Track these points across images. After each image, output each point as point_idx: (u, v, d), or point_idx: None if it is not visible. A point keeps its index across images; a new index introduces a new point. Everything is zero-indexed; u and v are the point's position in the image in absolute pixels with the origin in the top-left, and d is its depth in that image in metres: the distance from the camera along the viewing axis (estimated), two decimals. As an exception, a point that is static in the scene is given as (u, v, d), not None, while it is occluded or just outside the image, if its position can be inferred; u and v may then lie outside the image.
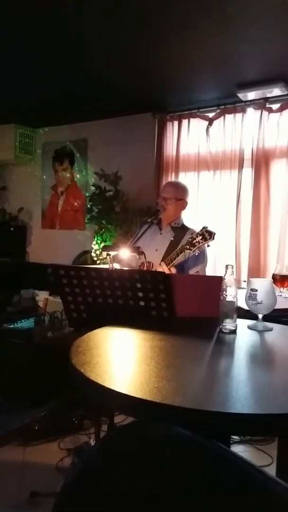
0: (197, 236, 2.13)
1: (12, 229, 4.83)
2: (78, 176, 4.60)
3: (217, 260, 3.51)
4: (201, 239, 2.11)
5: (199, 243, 2.12)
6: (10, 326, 3.05)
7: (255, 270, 3.37)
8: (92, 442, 2.34)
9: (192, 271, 2.42)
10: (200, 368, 1.17)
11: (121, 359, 1.24)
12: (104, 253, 1.90)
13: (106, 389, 0.96)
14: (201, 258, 2.41)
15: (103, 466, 0.76)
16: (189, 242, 2.15)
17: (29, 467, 2.22)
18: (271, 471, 1.83)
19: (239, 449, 2.38)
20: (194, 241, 2.13)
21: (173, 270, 2.32)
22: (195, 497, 0.66)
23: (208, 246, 2.20)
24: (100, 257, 3.74)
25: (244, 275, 3.45)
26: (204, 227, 2.13)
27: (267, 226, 3.40)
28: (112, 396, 0.95)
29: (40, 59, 3.00)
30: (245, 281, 3.37)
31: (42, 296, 3.88)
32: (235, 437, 2.42)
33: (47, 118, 4.44)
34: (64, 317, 3.02)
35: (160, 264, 2.37)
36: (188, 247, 2.15)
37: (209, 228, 2.12)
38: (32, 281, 4.04)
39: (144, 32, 2.55)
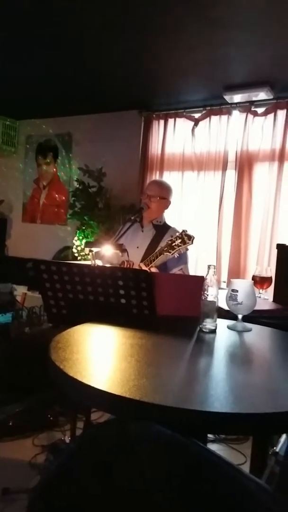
0: (176, 239, 2.13)
1: (-9, 221, 4.75)
2: (61, 170, 4.55)
3: (198, 260, 3.54)
4: (180, 242, 2.12)
5: (178, 246, 2.12)
6: (-13, 320, 3.00)
7: (235, 271, 3.41)
8: (67, 439, 2.32)
9: (174, 271, 2.43)
10: (180, 366, 1.17)
11: (101, 356, 1.24)
12: (87, 249, 1.88)
13: (86, 386, 0.95)
14: (183, 258, 2.42)
15: (80, 463, 0.76)
16: (168, 245, 2.15)
17: (2, 463, 2.19)
18: (245, 469, 1.86)
19: (213, 448, 2.40)
20: (173, 244, 2.13)
21: (154, 270, 2.32)
22: (174, 494, 0.66)
23: (186, 249, 2.20)
24: (82, 253, 3.71)
25: (224, 276, 3.49)
26: (183, 231, 2.13)
27: (248, 228, 3.45)
28: (92, 393, 0.95)
29: (26, 52, 2.96)
30: (225, 282, 3.41)
31: (20, 290, 3.82)
32: (210, 436, 2.45)
33: (32, 110, 4.38)
34: (42, 312, 2.98)
35: (139, 265, 2.36)
36: (167, 249, 2.15)
37: (189, 232, 2.12)
38: (11, 275, 3.98)
39: (134, 32, 2.55)
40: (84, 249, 3.71)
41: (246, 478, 0.70)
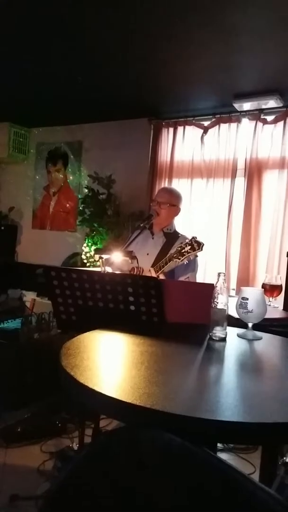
0: (185, 246, 2.14)
1: (2, 228, 4.79)
2: (71, 177, 4.59)
3: (207, 268, 3.53)
4: (189, 248, 2.13)
5: (187, 253, 2.13)
6: (-4, 326, 3.02)
7: (244, 279, 3.40)
8: (75, 446, 2.31)
9: (182, 278, 2.43)
10: (190, 374, 1.17)
11: (111, 363, 1.24)
12: (97, 256, 1.89)
13: (96, 393, 0.95)
14: (192, 266, 2.42)
15: (90, 471, 0.76)
16: (177, 251, 2.16)
17: (10, 469, 2.19)
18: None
19: (222, 457, 2.37)
20: (183, 251, 2.14)
21: (162, 277, 2.32)
22: (184, 503, 0.66)
23: (196, 256, 2.21)
24: (91, 260, 3.72)
25: (233, 284, 3.47)
26: (193, 237, 2.14)
27: (258, 236, 3.44)
28: (102, 400, 0.95)
29: (38, 60, 3.00)
30: (234, 290, 3.39)
31: (29, 296, 3.85)
32: (219, 445, 2.42)
33: (42, 118, 4.43)
34: (51, 318, 3.00)
35: (149, 270, 2.37)
36: (176, 255, 2.16)
37: (198, 239, 2.13)
38: (20, 281, 4.01)
39: (144, 39, 2.58)
40: (93, 255, 3.73)
41: (258, 487, 0.69)
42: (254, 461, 2.30)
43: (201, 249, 2.12)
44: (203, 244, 2.12)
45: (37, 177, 4.82)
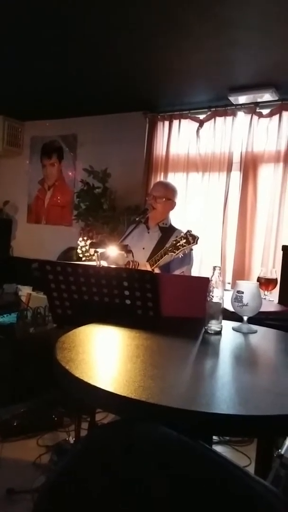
0: (181, 239, 2.14)
1: (-4, 222, 4.77)
2: (66, 171, 4.56)
3: (202, 262, 3.54)
4: (184, 242, 2.13)
5: (182, 246, 2.13)
6: (-8, 321, 3.01)
7: (240, 273, 3.40)
8: (71, 440, 2.32)
9: (177, 272, 2.43)
10: (186, 368, 1.17)
11: (107, 357, 1.24)
12: (92, 250, 1.89)
13: (92, 386, 0.95)
14: (187, 260, 2.42)
15: (86, 464, 0.76)
16: (172, 245, 2.16)
17: (6, 463, 2.20)
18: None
19: (218, 450, 2.39)
20: (178, 244, 2.14)
21: (157, 271, 2.33)
22: (180, 496, 0.66)
23: (191, 250, 2.21)
24: (86, 254, 3.71)
25: (228, 277, 3.48)
26: (188, 231, 2.14)
27: (253, 230, 3.44)
28: (97, 394, 0.95)
29: (32, 53, 2.97)
30: (229, 283, 3.40)
31: (25, 291, 3.83)
32: (214, 438, 2.44)
33: (37, 112, 4.39)
34: (47, 313, 2.99)
35: (145, 264, 2.37)
36: (171, 249, 2.16)
37: (193, 232, 2.13)
38: (16, 275, 3.99)
39: (139, 33, 2.55)
40: (88, 250, 3.72)
41: (253, 480, 0.70)
42: (250, 453, 2.32)
43: (196, 243, 2.12)
44: (198, 238, 2.12)
45: (32, 171, 4.79)
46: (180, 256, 2.18)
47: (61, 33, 2.65)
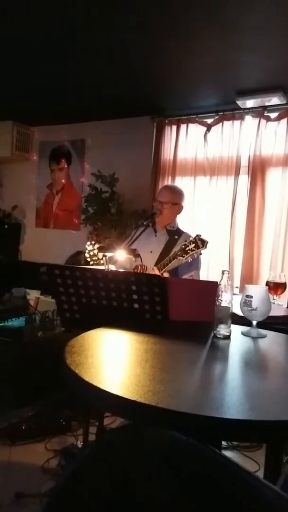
0: (190, 244, 2.14)
1: (5, 226, 4.80)
2: (74, 176, 4.59)
3: (210, 266, 3.53)
4: (193, 246, 2.13)
5: (191, 251, 2.13)
6: (0, 324, 3.02)
7: (248, 277, 3.39)
8: (79, 444, 2.32)
9: (185, 277, 2.42)
10: (195, 372, 1.17)
11: (116, 361, 1.24)
12: (100, 254, 1.89)
13: (101, 390, 0.95)
14: (195, 264, 2.42)
15: (95, 468, 0.76)
16: (181, 249, 2.16)
17: (15, 467, 2.20)
18: (259, 478, 1.83)
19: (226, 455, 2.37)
20: (187, 248, 2.14)
21: (166, 275, 2.32)
22: (189, 500, 0.66)
23: (200, 254, 2.21)
24: (94, 258, 3.72)
25: (236, 282, 3.47)
26: (197, 235, 2.14)
27: (261, 234, 3.42)
28: (107, 398, 0.95)
29: (41, 59, 3.00)
30: (237, 288, 3.39)
31: (33, 295, 3.84)
32: (223, 443, 2.42)
33: (45, 117, 4.43)
34: (55, 317, 3.00)
35: (153, 268, 2.37)
36: (180, 253, 2.16)
37: (202, 237, 2.13)
38: (24, 279, 4.01)
39: (147, 37, 2.56)
40: (96, 254, 3.73)
41: (264, 485, 0.69)
42: (258, 459, 2.29)
43: (205, 247, 2.12)
44: (207, 242, 2.12)
45: (40, 175, 4.83)
46: (189, 261, 2.18)
47: (69, 38, 2.68)
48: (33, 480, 2.05)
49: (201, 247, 2.12)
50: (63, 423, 2.58)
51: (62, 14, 2.38)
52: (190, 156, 3.79)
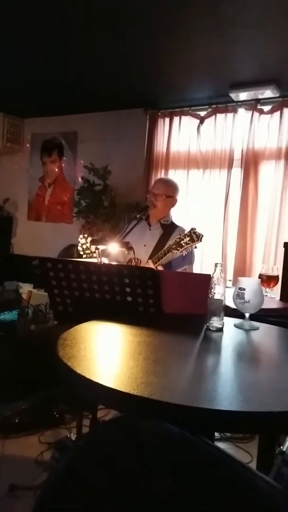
0: (184, 237, 2.14)
1: (-3, 219, 4.76)
2: (66, 168, 4.55)
3: (203, 259, 3.53)
4: (188, 240, 2.13)
5: (186, 244, 2.13)
6: (-7, 318, 3.01)
7: (241, 270, 3.40)
8: (73, 437, 2.32)
9: (179, 270, 2.42)
10: (188, 364, 1.17)
11: (109, 353, 1.24)
12: (93, 247, 1.88)
13: (94, 383, 0.95)
14: (189, 257, 2.42)
15: (89, 461, 0.76)
16: (176, 243, 2.16)
17: (8, 460, 2.20)
18: (251, 468, 1.85)
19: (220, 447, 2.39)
20: (182, 242, 2.14)
21: (160, 269, 2.32)
22: (183, 492, 0.66)
23: (195, 247, 2.21)
24: (87, 251, 3.71)
25: (229, 275, 3.48)
26: (192, 229, 2.14)
27: (254, 227, 3.43)
28: (100, 391, 0.95)
29: (33, 50, 2.95)
30: (230, 280, 3.40)
31: (25, 288, 3.82)
32: (216, 435, 2.44)
33: (37, 108, 4.38)
34: (48, 310, 2.99)
35: (147, 261, 2.37)
36: (175, 247, 2.16)
37: (197, 230, 2.13)
38: (16, 273, 3.99)
39: (140, 29, 2.54)
40: (89, 247, 3.71)
41: (257, 476, 0.70)
42: (251, 450, 2.32)
43: (200, 241, 2.12)
44: (202, 236, 2.12)
45: (32, 168, 4.78)
46: (183, 254, 2.18)
47: (61, 30, 2.64)
48: (26, 472, 2.06)
49: (196, 241, 2.12)
50: (57, 416, 2.59)
51: (55, 8, 2.34)
52: (183, 149, 3.77)
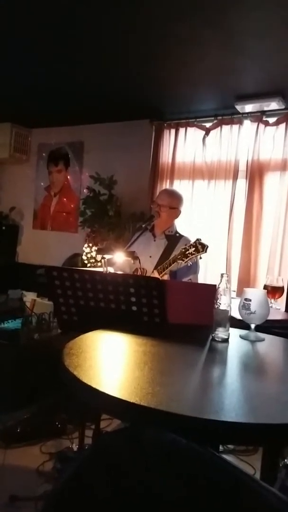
0: (190, 248, 2.14)
1: (3, 228, 4.78)
2: (72, 178, 4.58)
3: (208, 269, 3.53)
4: (194, 250, 2.13)
5: (191, 255, 2.14)
6: (-4, 326, 3.01)
7: (245, 281, 3.39)
8: (75, 447, 2.30)
9: (184, 280, 2.43)
10: (194, 375, 1.16)
11: (114, 363, 1.23)
12: (99, 256, 1.89)
13: (100, 393, 0.95)
14: (194, 268, 2.42)
15: (93, 471, 0.75)
16: (182, 253, 2.16)
17: (9, 470, 2.18)
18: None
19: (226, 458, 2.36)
20: (187, 252, 2.14)
21: (166, 278, 2.32)
22: (188, 503, 0.65)
23: (200, 258, 2.22)
24: (91, 260, 3.72)
25: (234, 285, 3.47)
26: (197, 239, 2.15)
27: (259, 238, 3.43)
28: (106, 400, 0.94)
29: (41, 61, 3.00)
30: (234, 291, 3.39)
31: (30, 297, 3.83)
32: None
33: (44, 119, 4.43)
34: (52, 319, 2.99)
35: (153, 272, 2.37)
36: (180, 257, 2.16)
37: (202, 241, 2.14)
38: (21, 281, 4.00)
39: (147, 41, 2.57)
40: (94, 256, 3.72)
41: (263, 488, 0.69)
42: (254, 463, 2.28)
43: (206, 251, 2.12)
44: (207, 246, 2.12)
45: (38, 177, 4.82)
46: (188, 264, 2.18)
47: (69, 41, 2.68)
48: (27, 483, 2.04)
49: (201, 251, 2.12)
50: (59, 426, 2.56)
51: (62, 17, 2.38)
52: (189, 159, 3.79)
